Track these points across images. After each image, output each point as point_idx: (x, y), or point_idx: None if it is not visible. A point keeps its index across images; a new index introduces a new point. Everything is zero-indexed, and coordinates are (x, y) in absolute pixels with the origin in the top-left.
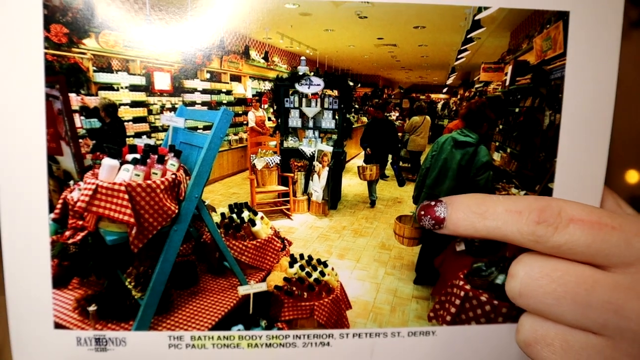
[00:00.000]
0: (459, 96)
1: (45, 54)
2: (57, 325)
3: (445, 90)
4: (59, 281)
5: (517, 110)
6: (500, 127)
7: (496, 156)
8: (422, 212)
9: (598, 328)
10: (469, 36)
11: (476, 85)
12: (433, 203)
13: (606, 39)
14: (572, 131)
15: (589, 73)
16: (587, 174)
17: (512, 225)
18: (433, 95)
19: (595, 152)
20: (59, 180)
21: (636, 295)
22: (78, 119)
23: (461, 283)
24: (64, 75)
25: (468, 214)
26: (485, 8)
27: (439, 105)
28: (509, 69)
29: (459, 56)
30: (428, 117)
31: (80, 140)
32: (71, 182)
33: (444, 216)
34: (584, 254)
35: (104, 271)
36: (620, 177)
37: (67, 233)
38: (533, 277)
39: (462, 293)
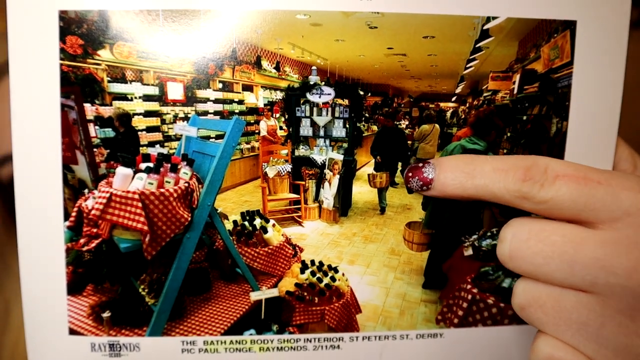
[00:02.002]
0: (467, 104)
1: (61, 64)
2: (72, 332)
3: (454, 98)
4: (74, 288)
5: (524, 118)
6: (508, 134)
7: None
8: (410, 174)
9: (587, 286)
10: (477, 45)
11: (484, 94)
12: (421, 165)
13: (612, 47)
14: (578, 138)
15: (596, 81)
16: None
17: (499, 182)
18: (442, 104)
19: (601, 159)
20: (74, 189)
21: (624, 251)
22: (93, 129)
23: (469, 287)
24: (79, 86)
25: (456, 173)
26: (494, 18)
27: (448, 114)
28: (516, 77)
29: (468, 65)
30: (437, 126)
31: (95, 150)
32: (86, 191)
33: (432, 177)
34: (570, 210)
35: (117, 278)
36: None
37: (82, 240)
38: (521, 239)
39: (470, 296)
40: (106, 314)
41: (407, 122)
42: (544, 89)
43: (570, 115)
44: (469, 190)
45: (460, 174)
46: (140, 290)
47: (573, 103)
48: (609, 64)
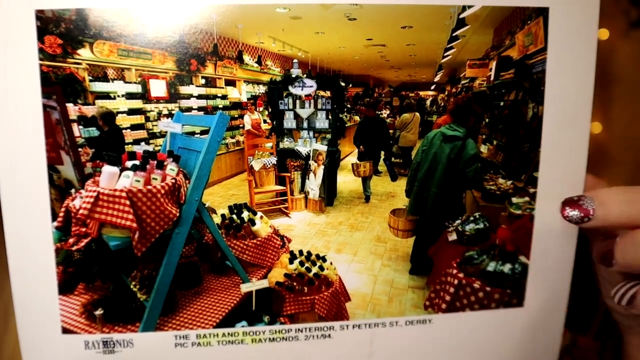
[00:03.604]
0: (446, 92)
1: (41, 65)
2: (65, 331)
3: (433, 87)
4: (65, 287)
5: (502, 104)
6: (487, 120)
7: (483, 148)
8: (568, 208)
9: None
10: (454, 34)
11: (462, 82)
12: (576, 198)
13: (584, 32)
14: (554, 122)
15: (569, 66)
16: (570, 162)
17: None
18: (422, 93)
19: (576, 141)
20: (60, 189)
21: None
22: (76, 128)
23: (454, 272)
24: (60, 86)
25: (617, 203)
26: (469, 7)
27: (428, 102)
28: (493, 64)
29: (446, 54)
30: (417, 114)
31: (80, 149)
32: (72, 191)
33: (593, 208)
34: None
35: (108, 276)
36: (621, 177)
37: (71, 240)
38: None
39: (456, 281)
40: (99, 312)
41: (388, 112)
42: (520, 75)
43: (546, 100)
44: (632, 218)
45: (621, 203)
46: (131, 286)
47: (548, 88)
48: (581, 49)
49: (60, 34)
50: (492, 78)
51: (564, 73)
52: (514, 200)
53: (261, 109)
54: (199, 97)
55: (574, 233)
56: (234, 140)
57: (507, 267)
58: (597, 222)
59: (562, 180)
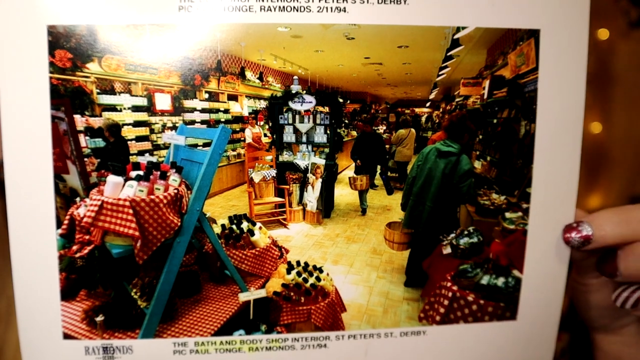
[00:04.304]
0: (441, 109)
1: (51, 78)
2: (66, 336)
3: (428, 104)
4: (67, 293)
5: (495, 121)
6: (480, 137)
7: (477, 164)
8: (569, 235)
9: None
10: (449, 54)
11: (457, 99)
12: (575, 224)
13: (574, 52)
14: (546, 139)
15: (560, 85)
16: (562, 177)
17: None
18: (417, 109)
19: (568, 157)
20: (65, 198)
21: None
22: (83, 139)
23: (449, 284)
24: (68, 98)
25: (613, 225)
26: (463, 28)
27: (423, 119)
28: (486, 83)
29: (440, 72)
30: (413, 130)
31: (86, 159)
32: (77, 199)
33: (591, 233)
34: None
35: (110, 283)
36: (622, 177)
37: (75, 247)
38: None
39: (450, 294)
40: (99, 318)
41: (384, 127)
42: (512, 94)
43: (538, 118)
44: (627, 237)
45: (616, 224)
46: (132, 294)
47: (540, 106)
48: (571, 68)
49: (71, 48)
50: (485, 96)
51: (555, 92)
52: (508, 215)
53: (262, 123)
54: (203, 110)
55: (567, 247)
56: (235, 153)
57: (500, 281)
58: (596, 245)
59: (555, 195)
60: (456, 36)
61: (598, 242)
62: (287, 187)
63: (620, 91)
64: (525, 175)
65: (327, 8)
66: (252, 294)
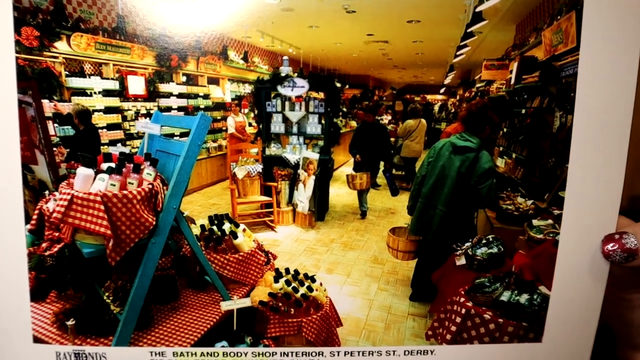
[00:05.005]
0: (458, 97)
1: (17, 58)
2: (36, 340)
3: (442, 90)
4: (37, 294)
5: (523, 111)
6: (505, 130)
7: (500, 162)
8: (610, 248)
9: None
10: (469, 30)
11: (477, 85)
12: (617, 235)
13: (625, 29)
14: (586, 133)
15: (606, 69)
16: (604, 180)
17: None
18: (429, 97)
19: (612, 156)
20: (34, 190)
21: None
22: (52, 126)
23: (462, 300)
24: (36, 81)
25: None
26: None
27: (436, 108)
28: (514, 65)
29: (458, 53)
30: (424, 121)
31: (55, 149)
32: (46, 192)
33: (636, 246)
34: None
35: (81, 285)
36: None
37: (44, 245)
38: None
39: (464, 310)
40: (70, 322)
41: (389, 117)
42: (546, 79)
43: (576, 108)
44: None
45: None
46: (104, 297)
47: (579, 94)
48: (621, 49)
49: (37, 25)
50: (512, 81)
51: (599, 77)
52: (535, 222)
53: (246, 110)
54: (180, 96)
55: (606, 262)
56: (215, 145)
57: (523, 298)
58: None
59: (594, 200)
60: (479, 9)
61: None
62: (275, 184)
63: None
64: (558, 176)
65: None
66: (235, 303)
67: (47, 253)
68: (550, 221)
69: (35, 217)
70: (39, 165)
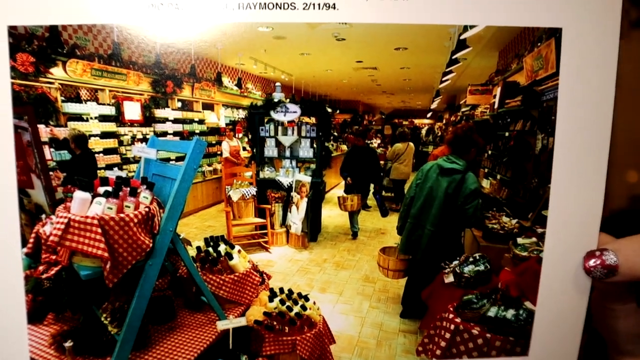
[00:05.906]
0: (444, 121)
1: (12, 84)
2: None
3: (429, 114)
4: (34, 316)
5: (506, 134)
6: (489, 152)
7: (485, 183)
8: (590, 263)
9: None
10: (454, 57)
11: (462, 109)
12: (598, 252)
13: (602, 56)
14: (567, 155)
15: (584, 93)
16: (585, 199)
17: None
18: (416, 121)
19: (592, 176)
20: (30, 214)
21: None
22: (48, 151)
23: (451, 316)
24: (32, 106)
25: None
26: (472, 27)
27: (423, 131)
28: (497, 90)
29: (444, 78)
30: (411, 144)
31: (51, 173)
32: (43, 216)
33: (616, 262)
34: None
35: (79, 306)
36: (621, 177)
37: (41, 268)
38: None
39: (452, 326)
40: (68, 344)
41: (379, 141)
42: (528, 103)
43: (557, 131)
44: None
45: None
46: (102, 319)
47: (560, 117)
48: (598, 74)
49: (33, 51)
50: (496, 106)
51: (578, 101)
52: (520, 240)
53: (240, 135)
54: (175, 121)
55: (588, 278)
56: (211, 168)
57: (510, 313)
58: (622, 278)
59: (575, 218)
60: (463, 36)
61: (625, 274)
62: (269, 206)
63: (620, 91)
64: (541, 196)
65: (313, 5)
66: (231, 322)
67: (44, 276)
68: (534, 239)
69: (31, 240)
70: (36, 189)
